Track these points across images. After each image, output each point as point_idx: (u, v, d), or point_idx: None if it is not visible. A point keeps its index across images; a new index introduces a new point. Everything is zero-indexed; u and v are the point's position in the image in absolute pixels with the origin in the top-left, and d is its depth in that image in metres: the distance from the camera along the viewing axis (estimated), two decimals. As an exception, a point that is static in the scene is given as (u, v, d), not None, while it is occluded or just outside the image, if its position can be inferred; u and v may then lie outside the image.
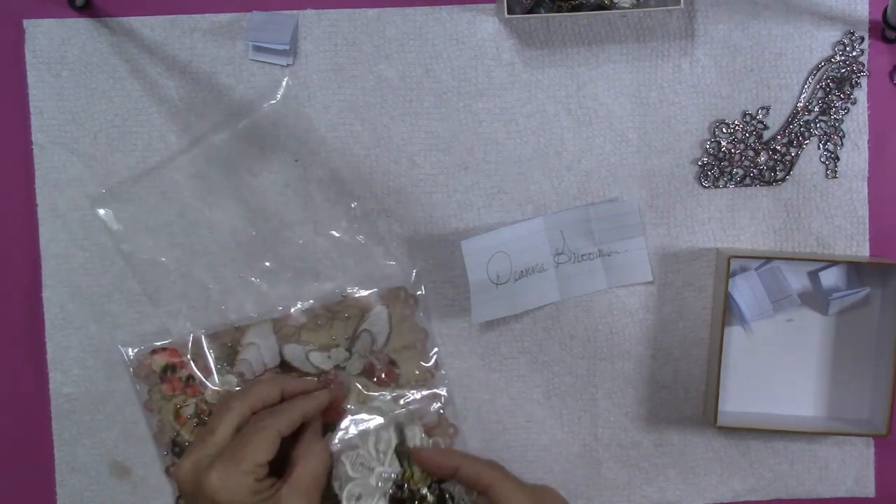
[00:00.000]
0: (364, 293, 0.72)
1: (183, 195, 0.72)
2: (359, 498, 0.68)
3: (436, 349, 0.73)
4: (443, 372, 0.73)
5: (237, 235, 0.72)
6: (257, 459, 0.60)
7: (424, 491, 0.68)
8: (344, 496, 0.67)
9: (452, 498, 0.69)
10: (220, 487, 0.59)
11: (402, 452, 0.69)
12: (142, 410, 0.72)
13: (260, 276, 0.72)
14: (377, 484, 0.68)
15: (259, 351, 0.71)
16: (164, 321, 0.72)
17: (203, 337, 0.71)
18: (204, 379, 0.71)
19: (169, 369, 0.71)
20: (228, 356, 0.71)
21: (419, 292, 0.73)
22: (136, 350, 0.71)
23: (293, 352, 0.71)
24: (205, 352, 0.71)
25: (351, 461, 0.68)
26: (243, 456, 0.60)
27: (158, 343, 0.71)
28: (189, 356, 0.71)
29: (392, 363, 0.72)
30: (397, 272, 0.72)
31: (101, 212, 0.71)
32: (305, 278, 0.72)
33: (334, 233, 0.72)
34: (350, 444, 0.69)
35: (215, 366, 0.71)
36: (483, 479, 0.63)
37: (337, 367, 0.71)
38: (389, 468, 0.68)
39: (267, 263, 0.72)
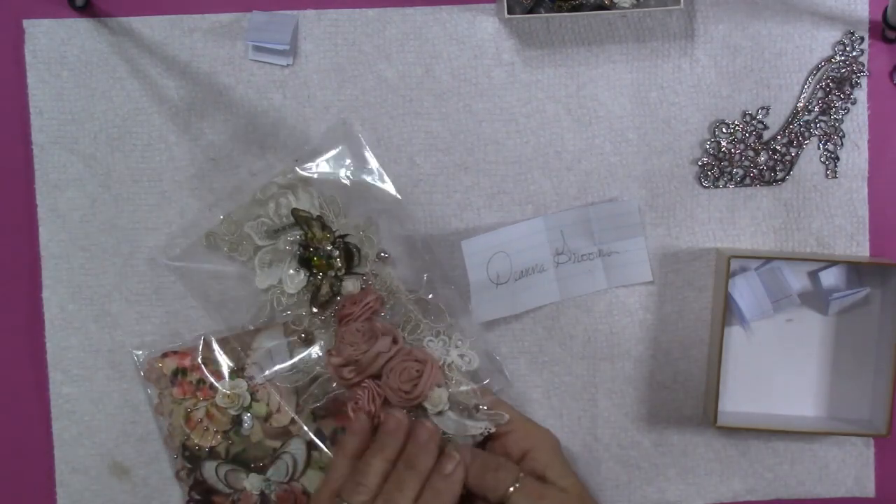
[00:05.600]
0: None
1: (183, 195, 0.72)
2: (270, 264, 0.68)
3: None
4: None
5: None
6: None
7: (329, 247, 0.68)
8: (256, 264, 0.69)
9: (359, 250, 0.69)
10: None
11: (299, 215, 0.69)
12: (152, 414, 0.71)
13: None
14: (285, 248, 0.69)
15: (269, 354, 0.71)
16: (171, 323, 0.72)
17: (214, 340, 0.71)
18: (215, 382, 0.70)
19: (179, 373, 0.71)
20: (238, 359, 0.71)
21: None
22: (146, 353, 0.71)
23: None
24: (216, 355, 0.71)
25: (256, 230, 0.69)
26: None
27: (169, 346, 0.71)
28: (200, 359, 0.71)
29: None
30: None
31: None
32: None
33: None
34: (250, 214, 0.69)
35: (227, 369, 0.71)
36: (521, 446, 0.68)
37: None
38: (296, 231, 0.69)
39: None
